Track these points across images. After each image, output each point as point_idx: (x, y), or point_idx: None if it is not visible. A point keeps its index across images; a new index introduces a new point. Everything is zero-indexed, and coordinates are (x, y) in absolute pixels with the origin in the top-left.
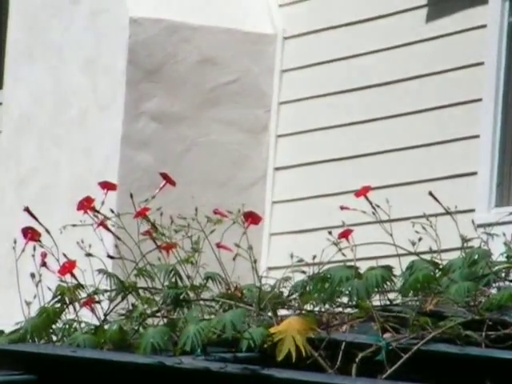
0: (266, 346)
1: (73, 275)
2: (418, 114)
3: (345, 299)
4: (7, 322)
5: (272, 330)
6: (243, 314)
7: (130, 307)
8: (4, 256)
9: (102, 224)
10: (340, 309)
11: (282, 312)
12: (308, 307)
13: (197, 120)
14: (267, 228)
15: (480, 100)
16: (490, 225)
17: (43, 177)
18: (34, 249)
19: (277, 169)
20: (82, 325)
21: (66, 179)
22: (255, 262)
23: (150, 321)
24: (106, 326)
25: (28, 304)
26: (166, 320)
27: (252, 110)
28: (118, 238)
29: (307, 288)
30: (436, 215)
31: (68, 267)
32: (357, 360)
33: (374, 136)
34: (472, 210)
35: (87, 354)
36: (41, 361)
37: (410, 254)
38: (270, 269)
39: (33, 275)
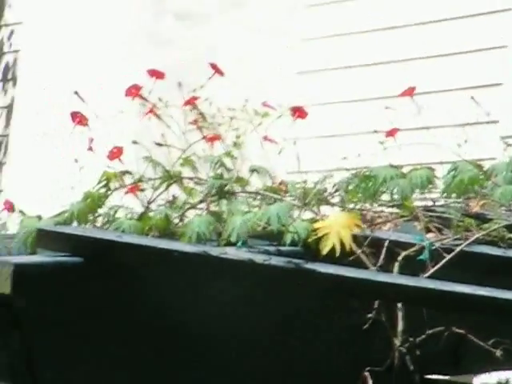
0: (309, 240)
1: (120, 161)
2: (464, 19)
3: (388, 199)
4: (51, 207)
5: (317, 225)
6: (289, 208)
7: (173, 197)
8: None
9: (152, 111)
10: (383, 208)
11: (325, 209)
12: (351, 205)
13: None
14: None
15: None
16: None
17: (90, 70)
18: (81, 134)
19: None
20: (127, 211)
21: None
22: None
23: (190, 213)
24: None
25: (72, 189)
26: (208, 211)
27: None
28: (168, 126)
29: (350, 186)
30: (477, 123)
31: (116, 153)
32: (399, 258)
33: (419, 41)
34: None
35: (133, 239)
36: (87, 244)
37: (453, 162)
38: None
39: (76, 160)
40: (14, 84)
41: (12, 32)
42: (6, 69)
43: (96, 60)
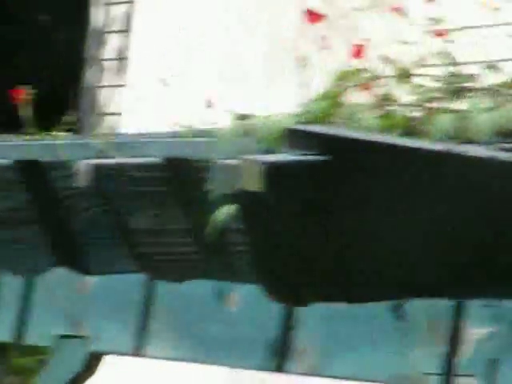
0: None
1: (363, 59)
2: None
3: None
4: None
5: None
6: None
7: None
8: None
9: (398, 8)
10: None
11: None
12: None
13: None
14: None
15: None
16: None
17: None
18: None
19: None
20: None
21: None
22: None
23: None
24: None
25: (305, 88)
26: (449, 110)
27: None
28: (411, 23)
29: None
30: None
31: (359, 50)
32: None
33: None
34: None
35: (381, 138)
36: (333, 143)
37: None
38: None
39: (304, 59)
40: None
41: None
42: None
43: None
